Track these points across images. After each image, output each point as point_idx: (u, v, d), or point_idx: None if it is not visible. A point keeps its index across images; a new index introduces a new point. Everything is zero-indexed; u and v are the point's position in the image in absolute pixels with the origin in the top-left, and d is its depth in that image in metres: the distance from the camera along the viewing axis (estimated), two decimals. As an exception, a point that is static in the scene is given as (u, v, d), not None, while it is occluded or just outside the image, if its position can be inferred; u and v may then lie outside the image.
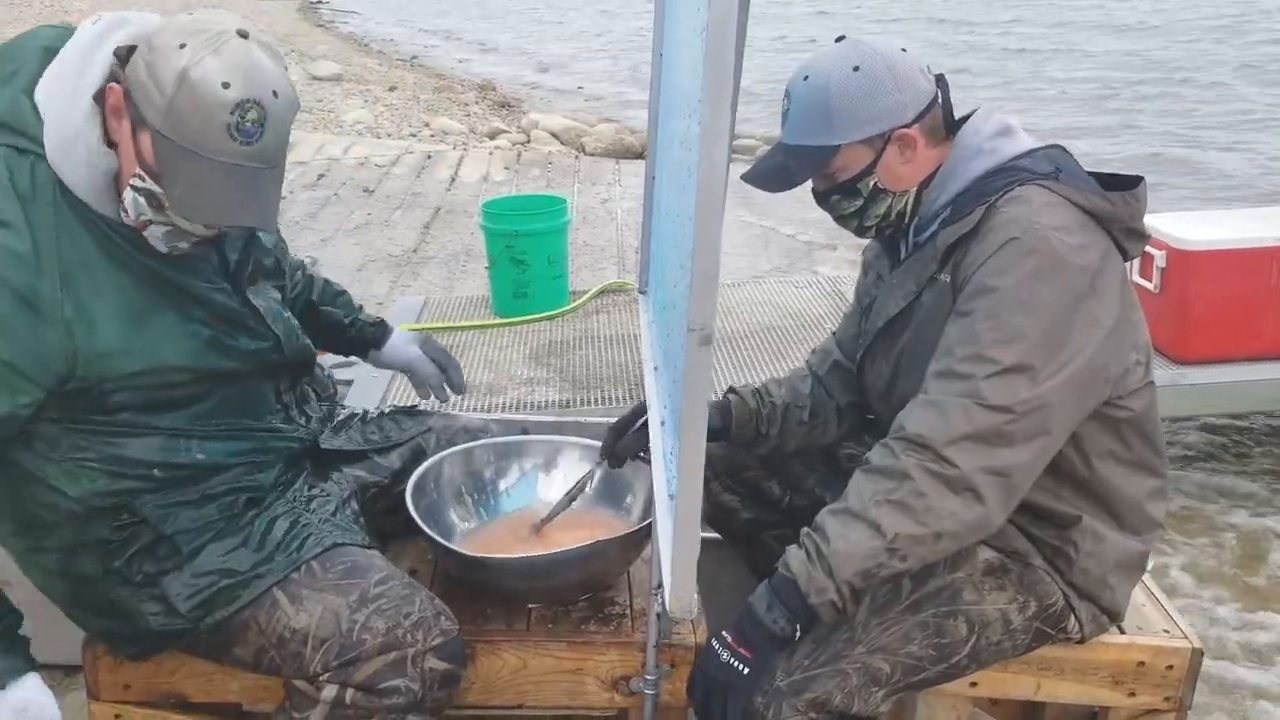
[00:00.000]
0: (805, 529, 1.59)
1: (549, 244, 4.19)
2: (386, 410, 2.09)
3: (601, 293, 4.40)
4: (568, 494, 1.92)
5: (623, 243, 6.07)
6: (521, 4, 25.66)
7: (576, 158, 8.50)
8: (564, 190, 6.82)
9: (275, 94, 1.46)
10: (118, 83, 1.48)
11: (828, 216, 1.77)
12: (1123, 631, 1.81)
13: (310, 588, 1.63)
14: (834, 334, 2.02)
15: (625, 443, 1.88)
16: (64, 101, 1.49)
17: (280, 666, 1.64)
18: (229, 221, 1.53)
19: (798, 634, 1.57)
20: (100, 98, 1.49)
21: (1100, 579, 1.70)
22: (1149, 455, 1.71)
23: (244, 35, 1.47)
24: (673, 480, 1.51)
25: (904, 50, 1.67)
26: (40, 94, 1.51)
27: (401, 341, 2.15)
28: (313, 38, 16.29)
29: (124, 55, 1.49)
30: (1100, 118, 10.87)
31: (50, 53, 1.53)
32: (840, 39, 1.69)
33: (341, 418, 1.97)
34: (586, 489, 1.93)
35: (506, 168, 7.89)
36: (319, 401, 1.92)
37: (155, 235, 1.52)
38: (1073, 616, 1.72)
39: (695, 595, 1.24)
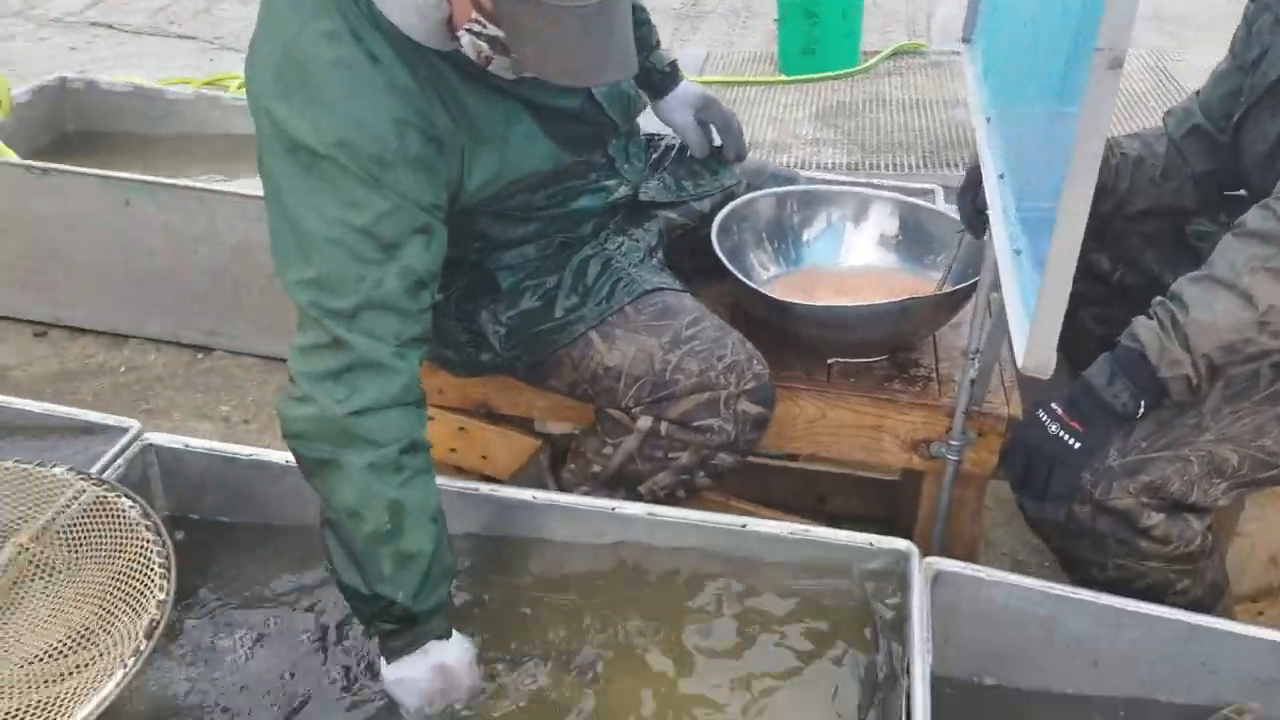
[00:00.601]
0: (1158, 298, 1.43)
1: (845, -5, 3.93)
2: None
3: (895, 54, 4.13)
4: (943, 277, 1.80)
5: (913, 4, 5.65)
6: None
7: (864, -88, 7.87)
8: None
9: None
10: None
11: None
12: None
13: (623, 328, 1.62)
14: (1197, 94, 1.77)
15: (983, 201, 1.72)
16: None
17: (594, 398, 1.66)
18: (592, 82, 1.39)
19: (1140, 411, 1.44)
20: None
21: None
22: None
23: None
24: (1016, 236, 1.39)
25: None
26: None
27: (680, 101, 1.94)
28: None
29: None
30: None
31: None
32: None
33: (657, 155, 1.91)
34: (952, 267, 1.80)
35: (789, -80, 7.41)
36: (636, 142, 1.85)
37: (501, 66, 1.38)
38: None
39: (1055, 352, 1.13)
